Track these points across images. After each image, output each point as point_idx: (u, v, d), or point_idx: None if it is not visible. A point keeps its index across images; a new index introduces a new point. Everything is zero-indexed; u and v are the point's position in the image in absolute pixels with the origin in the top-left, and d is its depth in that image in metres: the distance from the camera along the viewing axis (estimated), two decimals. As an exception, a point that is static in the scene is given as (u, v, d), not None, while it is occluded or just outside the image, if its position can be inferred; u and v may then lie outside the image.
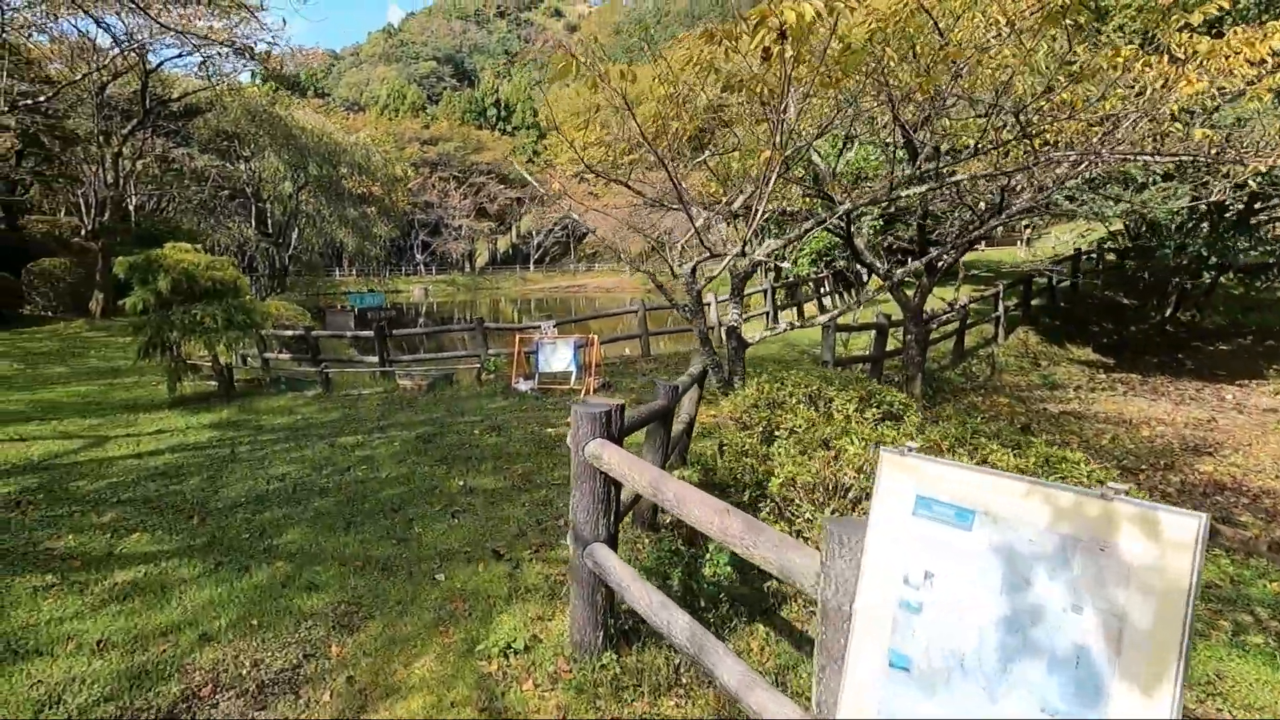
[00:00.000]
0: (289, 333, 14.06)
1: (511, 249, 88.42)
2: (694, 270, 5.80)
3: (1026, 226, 28.98)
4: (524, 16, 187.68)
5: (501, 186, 79.37)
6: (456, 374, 11.94)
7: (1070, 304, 17.26)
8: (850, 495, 3.66)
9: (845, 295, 21.11)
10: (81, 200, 31.20)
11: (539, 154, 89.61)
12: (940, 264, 10.29)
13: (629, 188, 7.88)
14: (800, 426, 4.26)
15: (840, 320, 12.08)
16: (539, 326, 12.31)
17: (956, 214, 12.58)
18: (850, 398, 4.52)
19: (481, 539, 5.12)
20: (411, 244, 71.84)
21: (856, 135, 10.01)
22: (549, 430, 8.32)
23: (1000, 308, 14.62)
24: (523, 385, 10.58)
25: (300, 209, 31.82)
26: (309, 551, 5.01)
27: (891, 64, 6.34)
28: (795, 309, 17.49)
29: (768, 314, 15.10)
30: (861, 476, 3.61)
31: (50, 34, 22.50)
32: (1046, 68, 6.40)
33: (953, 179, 8.56)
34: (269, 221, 32.56)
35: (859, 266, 18.76)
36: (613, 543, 3.40)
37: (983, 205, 10.08)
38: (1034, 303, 16.16)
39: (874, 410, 4.42)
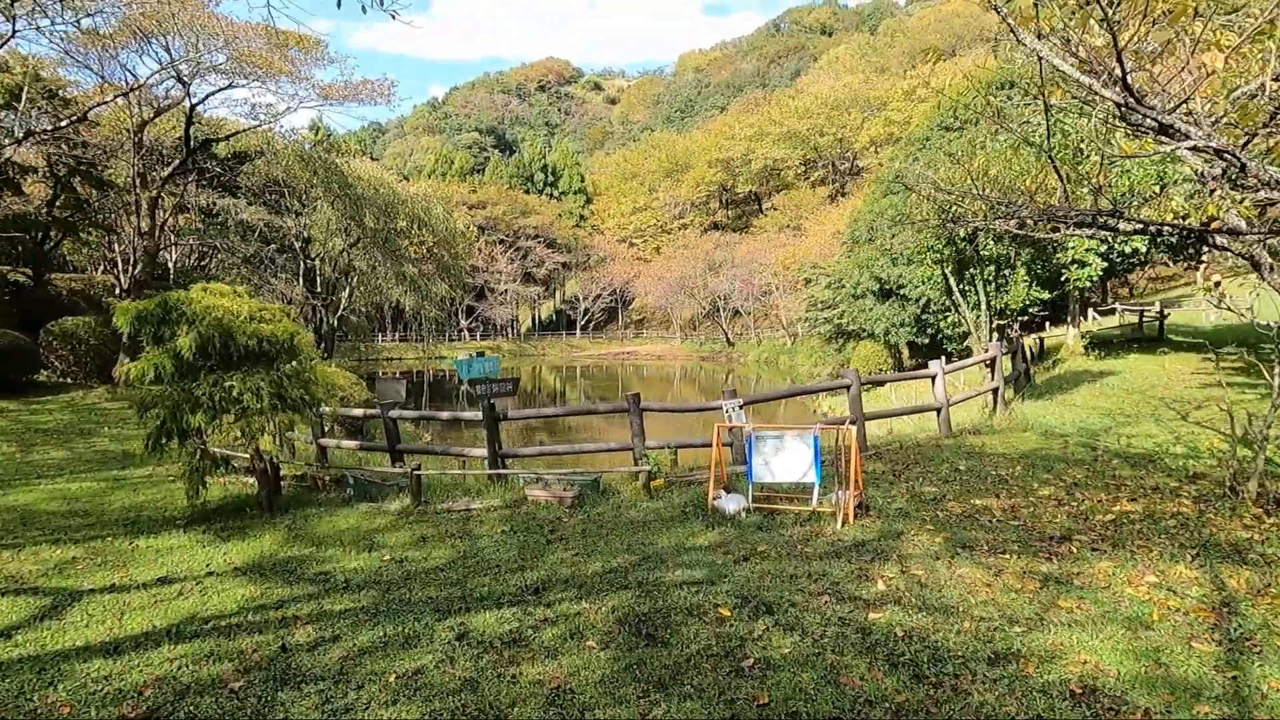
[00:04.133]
0: (359, 412, 10.37)
1: (556, 314, 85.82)
2: None
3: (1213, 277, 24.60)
4: (564, 90, 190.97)
5: (549, 251, 77.23)
6: (607, 479, 8.09)
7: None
8: None
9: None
10: (119, 257, 28.61)
11: (585, 219, 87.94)
12: None
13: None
14: None
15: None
16: (719, 406, 8.50)
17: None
18: None
19: None
20: (456, 309, 69.28)
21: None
22: (873, 619, 4.38)
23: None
24: (730, 504, 6.69)
25: (353, 265, 28.77)
26: None
27: None
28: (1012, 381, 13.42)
29: (996, 391, 11.13)
30: None
31: (89, 67, 19.95)
32: None
33: None
34: (318, 280, 29.56)
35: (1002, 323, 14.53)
36: None
37: None
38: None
39: None
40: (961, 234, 10.97)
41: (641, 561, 5.67)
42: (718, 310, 64.24)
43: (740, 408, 8.37)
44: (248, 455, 8.03)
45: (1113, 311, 24.03)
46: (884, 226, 28.00)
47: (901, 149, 29.98)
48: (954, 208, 9.55)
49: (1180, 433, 9.31)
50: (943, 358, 24.63)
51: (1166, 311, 18.67)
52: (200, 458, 7.61)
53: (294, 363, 7.92)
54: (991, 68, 33.63)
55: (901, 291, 26.90)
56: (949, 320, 13.71)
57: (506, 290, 73.12)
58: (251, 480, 8.57)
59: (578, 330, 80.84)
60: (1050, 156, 6.04)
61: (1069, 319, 17.02)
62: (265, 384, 7.36)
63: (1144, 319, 18.78)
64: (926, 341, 27.27)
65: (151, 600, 5.42)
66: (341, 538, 6.84)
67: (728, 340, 63.68)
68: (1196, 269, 29.30)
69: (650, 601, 4.83)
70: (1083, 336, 16.65)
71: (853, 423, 9.00)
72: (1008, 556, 5.29)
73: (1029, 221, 8.24)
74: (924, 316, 26.64)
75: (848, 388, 9.06)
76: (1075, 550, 5.37)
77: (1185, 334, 18.06)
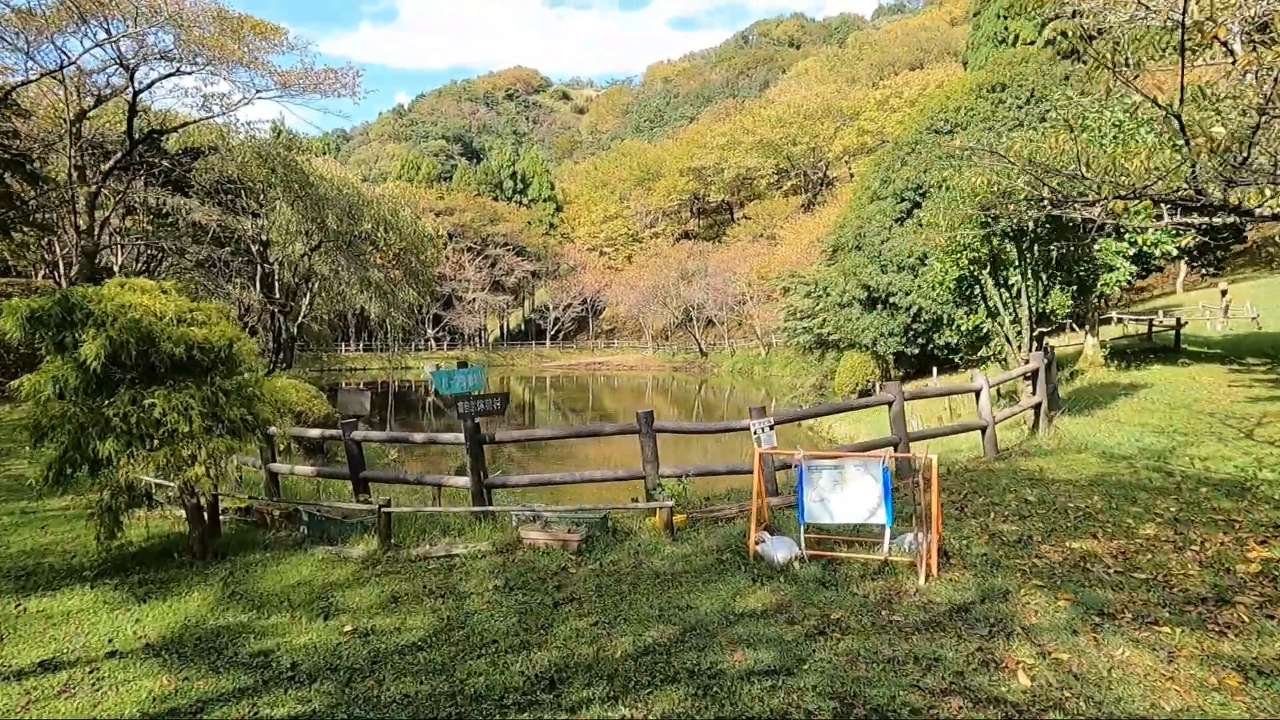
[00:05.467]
0: (316, 434, 8.89)
1: (525, 323, 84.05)
2: None
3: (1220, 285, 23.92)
4: (532, 99, 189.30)
5: (518, 259, 75.57)
6: (615, 516, 6.74)
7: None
8: None
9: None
10: (60, 259, 26.64)
11: (555, 226, 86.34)
12: None
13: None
14: None
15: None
16: (746, 426, 7.23)
17: None
18: None
19: None
20: (423, 317, 67.27)
21: None
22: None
23: None
24: (778, 551, 5.41)
25: (314, 270, 27.00)
26: None
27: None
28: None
29: (1039, 407, 9.99)
30: None
31: (20, 49, 18.17)
32: None
33: None
34: (276, 285, 27.77)
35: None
36: None
37: None
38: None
39: None
40: (1008, 227, 9.87)
41: (684, 635, 4.35)
42: (691, 320, 63.10)
43: (771, 428, 7.11)
44: (175, 485, 6.56)
45: (1109, 320, 23.30)
46: (873, 232, 27.13)
47: (889, 154, 29.15)
48: (1011, 197, 8.45)
49: (1257, 454, 8.26)
50: (935, 369, 23.63)
51: (1184, 320, 17.90)
52: (114, 499, 6.11)
53: (234, 378, 6.48)
54: (963, 77, 33.14)
55: (891, 300, 25.95)
56: (963, 327, 12.64)
57: (475, 299, 71.31)
58: (181, 512, 7.08)
59: (547, 340, 79.16)
60: (1178, 118, 4.89)
61: (1086, 327, 16.12)
62: (196, 402, 5.92)
63: (1153, 328, 18.00)
64: (916, 352, 26.34)
65: (22, 700, 3.98)
66: (290, 596, 5.42)
67: (701, 350, 62.57)
68: (1216, 277, 28.76)
69: (714, 705, 3.51)
70: (1102, 346, 15.76)
71: (892, 445, 7.82)
72: (1165, 629, 4.08)
73: (1128, 207, 7.12)
74: (914, 326, 25.71)
75: (890, 403, 7.85)
76: (1247, 618, 4.18)
77: (1198, 344, 17.26)
